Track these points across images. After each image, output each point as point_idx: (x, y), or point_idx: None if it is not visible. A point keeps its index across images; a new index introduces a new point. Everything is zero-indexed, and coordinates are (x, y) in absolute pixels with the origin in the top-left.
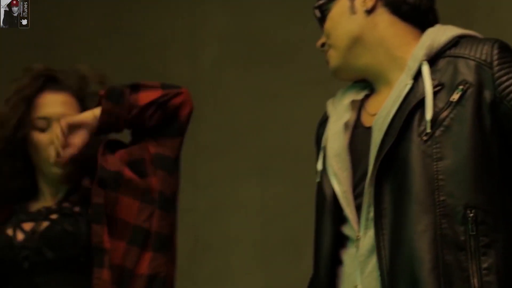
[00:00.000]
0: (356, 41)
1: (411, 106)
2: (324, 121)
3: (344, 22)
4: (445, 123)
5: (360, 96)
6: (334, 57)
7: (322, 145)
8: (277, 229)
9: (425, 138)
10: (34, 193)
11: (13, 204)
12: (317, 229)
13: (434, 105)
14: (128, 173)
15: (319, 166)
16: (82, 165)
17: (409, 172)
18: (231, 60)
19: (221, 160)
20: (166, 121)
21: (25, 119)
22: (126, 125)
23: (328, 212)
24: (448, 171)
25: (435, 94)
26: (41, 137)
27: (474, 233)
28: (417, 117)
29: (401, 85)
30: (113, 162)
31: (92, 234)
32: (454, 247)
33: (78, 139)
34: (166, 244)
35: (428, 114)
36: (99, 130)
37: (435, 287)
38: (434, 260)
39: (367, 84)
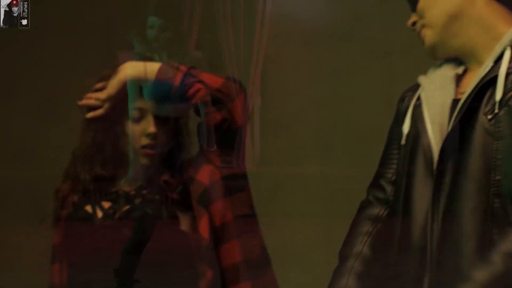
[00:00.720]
0: (454, 20)
1: (482, 83)
2: (413, 89)
3: (440, 1)
4: (510, 102)
5: (460, 70)
6: (429, 36)
7: (411, 108)
8: (340, 204)
9: (490, 117)
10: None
11: (88, 185)
12: (408, 192)
13: (504, 85)
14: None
15: (406, 129)
16: (165, 158)
17: (469, 149)
18: (292, 35)
19: (283, 136)
20: (226, 119)
21: (121, 109)
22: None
23: (430, 181)
24: (506, 151)
25: (507, 76)
26: (134, 127)
27: None
28: (486, 97)
29: (484, 66)
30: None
31: None
32: (503, 227)
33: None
34: (261, 265)
35: (498, 95)
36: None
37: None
38: (481, 237)
39: (459, 62)
